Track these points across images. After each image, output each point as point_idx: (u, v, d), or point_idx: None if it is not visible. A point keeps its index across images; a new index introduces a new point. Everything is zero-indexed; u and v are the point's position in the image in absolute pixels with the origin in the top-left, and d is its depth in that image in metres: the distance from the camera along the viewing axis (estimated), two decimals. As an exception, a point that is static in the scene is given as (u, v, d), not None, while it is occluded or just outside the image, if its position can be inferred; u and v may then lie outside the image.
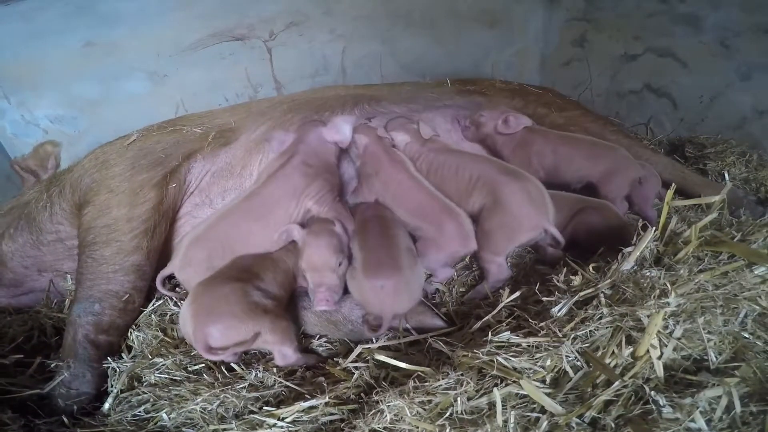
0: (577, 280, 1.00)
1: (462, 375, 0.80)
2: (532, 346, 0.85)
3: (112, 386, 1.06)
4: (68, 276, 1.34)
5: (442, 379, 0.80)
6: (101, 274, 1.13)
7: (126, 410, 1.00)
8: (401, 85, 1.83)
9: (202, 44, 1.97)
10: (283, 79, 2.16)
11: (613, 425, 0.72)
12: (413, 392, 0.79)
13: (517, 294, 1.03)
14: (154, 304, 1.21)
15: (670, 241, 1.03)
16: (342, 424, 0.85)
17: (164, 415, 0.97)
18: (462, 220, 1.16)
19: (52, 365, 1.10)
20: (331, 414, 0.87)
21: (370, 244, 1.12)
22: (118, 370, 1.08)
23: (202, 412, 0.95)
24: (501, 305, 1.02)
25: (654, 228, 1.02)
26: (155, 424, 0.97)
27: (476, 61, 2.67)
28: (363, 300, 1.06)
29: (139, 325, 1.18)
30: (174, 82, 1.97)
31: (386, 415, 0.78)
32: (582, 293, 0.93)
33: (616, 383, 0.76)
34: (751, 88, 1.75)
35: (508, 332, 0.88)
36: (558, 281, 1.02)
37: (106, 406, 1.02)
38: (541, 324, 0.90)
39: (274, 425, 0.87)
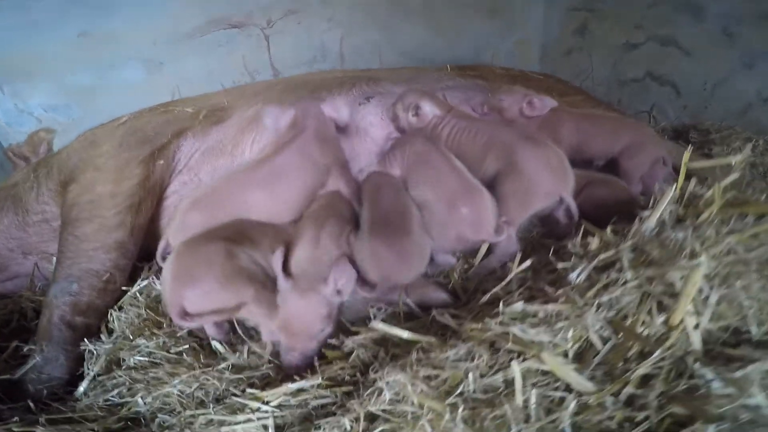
0: (594, 244, 0.86)
1: (474, 346, 0.66)
2: (551, 315, 0.72)
3: (88, 370, 0.94)
4: (54, 258, 1.24)
5: (451, 350, 0.66)
6: (82, 252, 1.04)
7: (99, 395, 0.89)
8: (401, 69, 1.75)
9: (199, 32, 1.89)
10: (280, 66, 2.08)
11: (655, 403, 0.59)
12: (417, 365, 0.65)
13: (528, 262, 0.90)
14: (139, 284, 1.09)
15: (690, 204, 0.90)
16: (334, 408, 0.72)
17: (139, 400, 0.85)
18: (480, 204, 1.03)
19: (25, 349, 0.99)
20: (323, 397, 0.74)
21: (380, 205, 1.00)
22: (95, 352, 0.97)
23: (179, 395, 0.83)
24: (512, 273, 0.89)
25: (674, 186, 0.89)
26: (129, 410, 0.85)
27: (476, 50, 2.58)
28: (365, 263, 0.93)
29: (123, 307, 1.07)
30: (170, 70, 1.90)
31: (385, 394, 0.65)
32: (601, 257, 0.80)
33: (657, 353, 0.63)
34: (755, 76, 1.68)
35: (522, 302, 0.75)
36: (573, 246, 0.89)
37: (80, 390, 0.91)
38: (559, 291, 0.76)
39: (258, 409, 0.75)
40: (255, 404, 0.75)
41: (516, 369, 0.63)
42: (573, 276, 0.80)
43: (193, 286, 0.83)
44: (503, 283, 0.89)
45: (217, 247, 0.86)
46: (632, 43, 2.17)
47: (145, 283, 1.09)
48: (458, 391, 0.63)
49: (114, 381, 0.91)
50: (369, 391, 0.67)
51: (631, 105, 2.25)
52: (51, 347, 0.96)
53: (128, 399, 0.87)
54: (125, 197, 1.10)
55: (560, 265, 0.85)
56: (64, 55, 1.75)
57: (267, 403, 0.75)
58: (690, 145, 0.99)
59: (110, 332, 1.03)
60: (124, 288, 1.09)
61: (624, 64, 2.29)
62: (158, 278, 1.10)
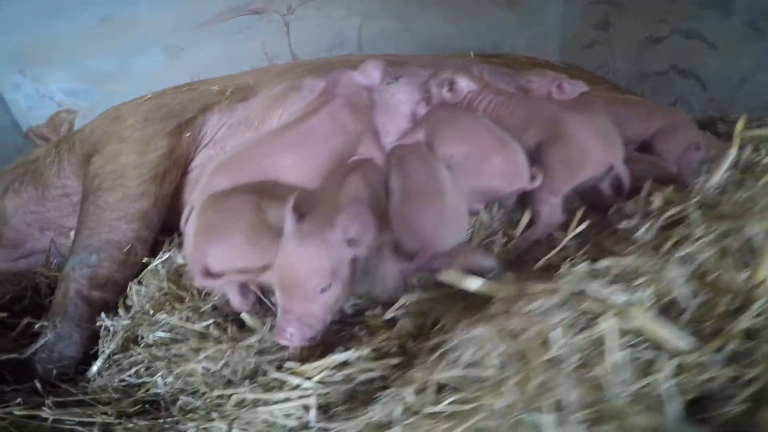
0: (657, 201, 0.80)
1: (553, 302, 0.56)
2: (626, 272, 0.62)
3: (102, 348, 0.85)
4: (72, 233, 1.18)
5: (533, 302, 0.55)
6: (103, 222, 0.98)
7: (114, 375, 0.80)
8: (423, 56, 1.70)
9: (219, 18, 1.87)
10: (299, 53, 2.04)
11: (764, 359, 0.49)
12: (500, 318, 0.55)
13: (586, 223, 0.80)
14: (161, 257, 1.01)
15: (746, 170, 0.86)
16: (385, 383, 0.62)
17: (159, 380, 0.76)
18: (514, 155, 0.99)
19: (37, 326, 0.91)
20: (370, 370, 0.65)
21: (409, 173, 0.93)
22: (112, 329, 0.88)
23: (204, 374, 0.74)
24: (571, 232, 0.79)
25: (731, 150, 0.83)
26: (146, 391, 0.76)
27: (495, 42, 2.53)
28: (400, 231, 0.84)
29: (142, 281, 0.98)
30: (190, 56, 1.86)
31: (460, 355, 0.54)
32: (668, 213, 0.74)
33: (755, 306, 0.53)
34: (784, 70, 1.58)
35: (588, 262, 0.66)
36: (636, 204, 0.83)
37: (93, 369, 0.82)
38: (629, 248, 0.68)
39: (298, 386, 0.65)
40: (295, 380, 0.65)
41: (606, 327, 0.53)
42: (640, 233, 0.73)
43: (218, 241, 0.75)
44: (565, 240, 0.79)
45: (245, 200, 0.78)
46: (655, 36, 2.12)
47: (167, 256, 1.01)
48: (553, 350, 0.52)
49: (131, 359, 0.82)
50: (434, 356, 0.57)
51: (654, 98, 2.17)
52: (64, 323, 0.88)
53: (147, 379, 0.78)
54: (150, 168, 1.06)
55: (622, 224, 0.78)
56: (86, 41, 1.73)
57: (308, 378, 0.65)
58: (744, 114, 0.94)
59: (128, 309, 0.95)
60: (144, 261, 1.01)
61: (647, 57, 2.25)
62: (181, 251, 1.02)
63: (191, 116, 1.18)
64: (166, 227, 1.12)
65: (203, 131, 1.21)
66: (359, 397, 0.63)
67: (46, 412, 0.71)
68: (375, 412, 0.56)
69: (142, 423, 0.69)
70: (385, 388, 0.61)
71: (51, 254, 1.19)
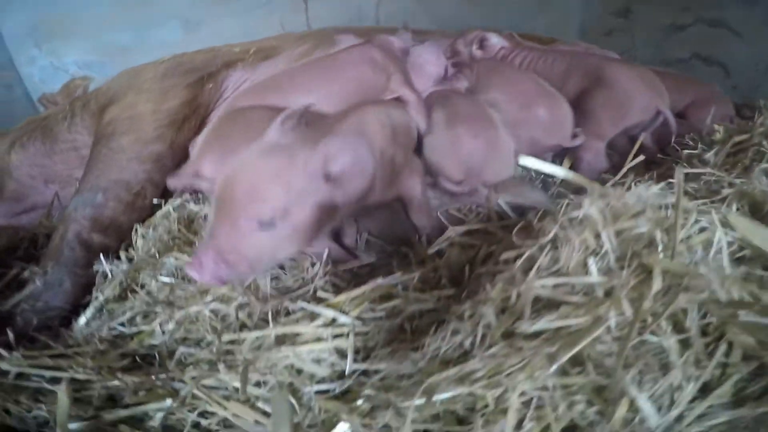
0: (720, 133, 0.81)
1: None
2: (711, 183, 0.57)
3: (96, 295, 0.73)
4: (78, 183, 1.10)
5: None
6: (114, 163, 0.89)
7: (105, 323, 0.66)
8: (447, 31, 1.65)
9: (238, -8, 1.84)
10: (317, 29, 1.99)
11: None
12: (605, 209, 0.42)
13: (642, 157, 0.68)
14: (172, 202, 0.89)
15: None
16: (438, 317, 0.48)
17: (157, 328, 0.63)
18: (557, 108, 0.93)
19: (25, 273, 0.80)
20: (421, 301, 0.50)
21: (455, 104, 0.85)
22: (110, 274, 0.76)
23: (212, 318, 0.60)
24: (629, 164, 0.67)
25: None
26: (140, 342, 0.62)
27: (513, 27, 2.47)
28: (444, 158, 0.75)
29: (149, 225, 0.86)
30: (208, 30, 1.83)
31: (559, 257, 0.41)
32: (736, 139, 0.73)
33: None
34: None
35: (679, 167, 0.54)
36: (695, 137, 0.81)
37: (81, 321, 0.68)
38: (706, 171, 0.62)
39: (333, 322, 0.51)
40: (329, 312, 0.51)
41: (715, 218, 0.41)
42: (710, 155, 0.73)
43: (222, 147, 0.64)
44: (624, 168, 0.68)
45: (263, 115, 0.68)
46: (678, 24, 2.09)
47: (178, 202, 0.90)
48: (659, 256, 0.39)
49: (128, 306, 0.69)
50: (519, 263, 0.43)
51: None
52: (56, 269, 0.76)
53: (143, 328, 0.65)
54: (167, 114, 0.99)
55: (686, 152, 0.78)
56: (104, 14, 1.71)
57: (344, 313, 0.51)
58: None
59: (130, 261, 0.83)
60: (155, 202, 0.91)
61: (669, 44, 2.24)
62: (193, 199, 0.91)
63: (213, 71, 1.15)
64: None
65: (225, 84, 1.16)
66: (407, 337, 0.49)
67: (9, 363, 0.57)
68: (439, 343, 0.42)
69: (127, 379, 0.55)
70: (440, 324, 0.47)
71: (54, 208, 1.10)
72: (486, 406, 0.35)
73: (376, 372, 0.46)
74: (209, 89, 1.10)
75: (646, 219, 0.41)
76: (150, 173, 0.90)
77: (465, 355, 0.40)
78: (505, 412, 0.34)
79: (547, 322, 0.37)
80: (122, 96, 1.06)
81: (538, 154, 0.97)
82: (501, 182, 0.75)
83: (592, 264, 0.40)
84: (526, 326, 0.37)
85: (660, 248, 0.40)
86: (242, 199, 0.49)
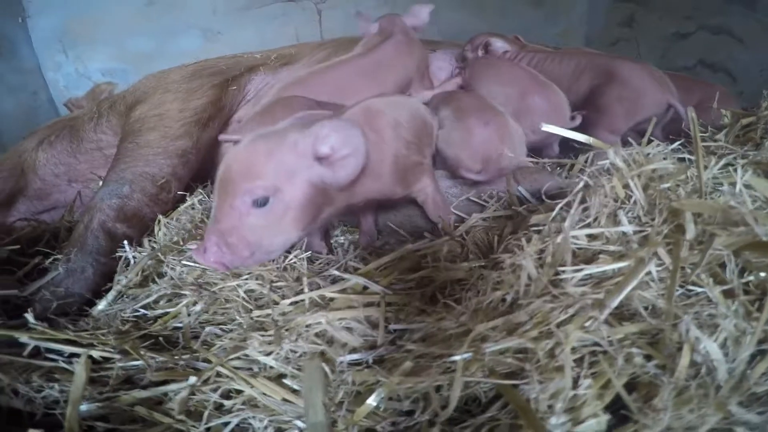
0: (728, 117, 0.85)
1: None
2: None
3: (118, 279, 0.71)
4: (101, 182, 1.12)
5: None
6: (140, 157, 0.90)
7: (127, 305, 0.65)
8: (455, 42, 1.70)
9: (257, 3, 1.91)
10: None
11: None
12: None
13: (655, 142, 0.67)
14: (195, 196, 0.91)
15: None
16: (466, 286, 0.45)
17: (184, 309, 0.61)
18: (552, 95, 0.96)
19: (48, 261, 0.78)
20: (451, 270, 0.48)
21: (461, 99, 0.87)
22: (133, 260, 0.75)
23: (246, 300, 0.58)
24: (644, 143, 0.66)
25: None
26: (164, 324, 0.60)
27: (520, 37, 2.53)
28: (460, 150, 0.74)
29: (173, 217, 0.87)
30: (226, 40, 1.89)
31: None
32: (743, 122, 0.76)
33: None
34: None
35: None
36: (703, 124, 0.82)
37: (100, 306, 0.66)
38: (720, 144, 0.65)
39: (364, 290, 0.49)
40: (359, 281, 0.49)
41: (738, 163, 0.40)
42: (720, 136, 0.75)
43: (261, 125, 0.63)
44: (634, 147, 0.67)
45: (302, 103, 0.72)
46: (682, 32, 2.12)
47: (200, 197, 0.90)
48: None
49: (153, 289, 0.67)
50: (551, 216, 0.41)
51: (683, 93, 2.13)
52: (79, 256, 0.75)
53: (168, 310, 0.63)
54: (194, 112, 1.02)
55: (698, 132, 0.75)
56: (128, 22, 1.77)
57: (371, 280, 0.49)
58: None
59: (153, 249, 0.81)
60: (180, 193, 0.92)
61: (673, 53, 2.26)
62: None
63: (237, 74, 1.19)
64: (198, 177, 1.03)
65: (248, 88, 1.20)
66: (436, 310, 0.47)
67: (29, 336, 0.55)
68: (480, 297, 0.39)
69: (147, 357, 0.52)
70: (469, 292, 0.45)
71: (76, 206, 1.11)
72: (537, 360, 0.33)
73: (413, 332, 0.43)
74: (233, 91, 1.14)
75: (669, 164, 0.40)
76: (175, 168, 0.91)
77: (510, 307, 0.38)
78: (558, 369, 0.32)
79: (589, 270, 0.35)
80: (150, 95, 1.09)
81: (542, 141, 1.00)
82: (519, 170, 0.76)
83: (622, 216, 0.39)
84: (569, 275, 0.35)
85: (685, 194, 0.39)
86: (237, 178, 0.51)
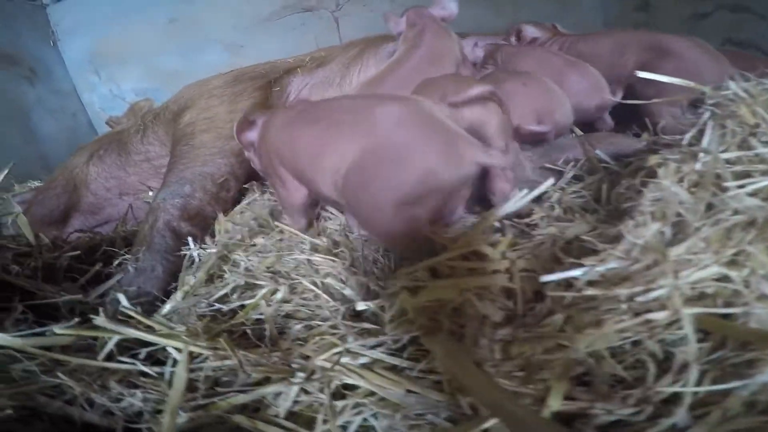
0: None
1: None
2: None
3: (186, 277, 0.69)
4: (151, 193, 1.13)
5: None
6: (197, 157, 0.91)
7: (201, 299, 0.62)
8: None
9: (276, 15, 1.95)
10: (350, 45, 2.08)
11: None
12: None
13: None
14: (257, 196, 0.90)
15: None
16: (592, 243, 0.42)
17: (262, 302, 0.58)
18: (587, 71, 0.96)
19: (116, 263, 0.78)
20: (569, 221, 0.44)
21: (493, 75, 0.89)
22: (198, 259, 0.73)
23: (332, 296, 0.54)
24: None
25: None
26: (246, 317, 0.56)
27: (533, 30, 2.51)
28: (512, 113, 0.72)
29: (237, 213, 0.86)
30: (249, 53, 1.92)
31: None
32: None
33: None
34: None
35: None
36: None
37: (167, 307, 0.63)
38: None
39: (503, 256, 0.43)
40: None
41: None
42: None
43: None
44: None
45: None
46: (701, 13, 2.06)
47: (257, 195, 0.90)
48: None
49: (224, 282, 0.65)
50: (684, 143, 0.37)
51: None
52: (148, 255, 0.74)
53: (245, 302, 0.60)
54: (242, 113, 1.03)
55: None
56: (153, 40, 1.82)
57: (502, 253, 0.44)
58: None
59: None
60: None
61: (697, 34, 2.20)
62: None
63: (278, 76, 1.21)
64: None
65: (288, 90, 1.23)
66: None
67: (104, 331, 0.50)
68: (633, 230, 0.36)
69: (241, 356, 0.47)
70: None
71: (128, 218, 1.12)
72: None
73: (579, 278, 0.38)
74: (276, 92, 1.16)
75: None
76: (232, 167, 0.92)
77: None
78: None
79: (759, 183, 0.31)
80: (195, 101, 1.11)
81: (586, 118, 0.99)
82: (593, 136, 0.75)
83: (756, 141, 0.35)
84: (732, 193, 0.32)
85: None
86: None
